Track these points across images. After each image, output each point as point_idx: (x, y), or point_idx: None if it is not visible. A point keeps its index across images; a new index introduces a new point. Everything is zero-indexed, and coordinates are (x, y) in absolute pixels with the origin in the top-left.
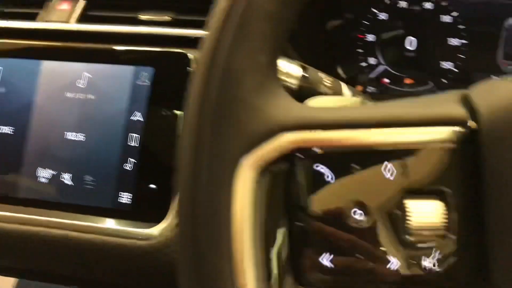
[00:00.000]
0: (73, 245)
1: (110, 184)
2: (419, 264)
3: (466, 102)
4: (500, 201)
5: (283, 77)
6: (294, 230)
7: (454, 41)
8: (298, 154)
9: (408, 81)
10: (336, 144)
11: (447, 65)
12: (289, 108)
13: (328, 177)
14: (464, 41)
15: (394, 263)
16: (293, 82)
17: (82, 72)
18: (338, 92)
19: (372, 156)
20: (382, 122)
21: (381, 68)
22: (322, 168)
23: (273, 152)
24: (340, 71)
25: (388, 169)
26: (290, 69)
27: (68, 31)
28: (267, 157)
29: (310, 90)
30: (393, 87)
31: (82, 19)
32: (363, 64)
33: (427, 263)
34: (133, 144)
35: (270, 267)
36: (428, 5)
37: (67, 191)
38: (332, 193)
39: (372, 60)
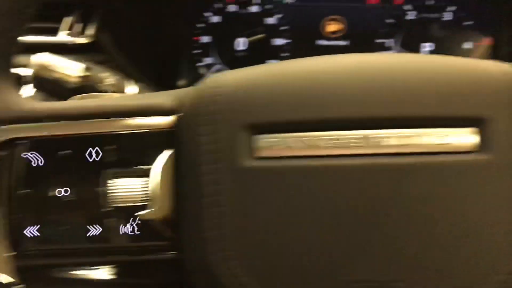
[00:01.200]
0: None
1: None
2: (118, 230)
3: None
4: (184, 175)
5: (62, 77)
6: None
7: (278, 41)
8: (12, 144)
9: None
10: (46, 134)
11: (274, 62)
12: (8, 104)
13: (35, 163)
14: (287, 41)
15: (95, 231)
16: (72, 81)
17: None
18: (120, 90)
19: (78, 143)
20: (91, 113)
21: (217, 67)
22: (31, 155)
23: None
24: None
25: (92, 153)
26: (70, 68)
27: None
28: None
29: (92, 88)
30: None
31: None
32: (201, 64)
33: (126, 229)
34: None
35: None
36: (254, 9)
37: None
38: (40, 175)
39: (208, 60)
